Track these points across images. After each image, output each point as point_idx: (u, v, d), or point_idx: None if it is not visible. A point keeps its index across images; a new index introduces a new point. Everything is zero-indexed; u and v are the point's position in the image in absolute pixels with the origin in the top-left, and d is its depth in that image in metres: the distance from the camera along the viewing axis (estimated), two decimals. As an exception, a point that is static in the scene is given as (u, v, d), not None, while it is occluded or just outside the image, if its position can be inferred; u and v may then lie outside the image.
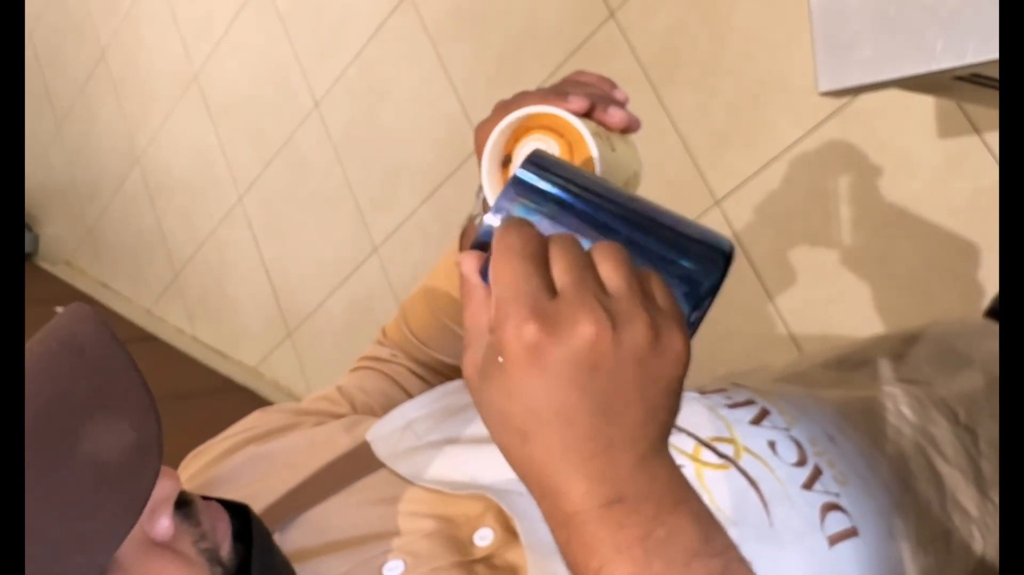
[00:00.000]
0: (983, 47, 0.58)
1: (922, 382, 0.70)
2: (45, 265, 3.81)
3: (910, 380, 0.70)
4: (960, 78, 0.67)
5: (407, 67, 2.26)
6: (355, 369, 0.79)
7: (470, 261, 0.42)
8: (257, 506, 0.52)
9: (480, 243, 0.43)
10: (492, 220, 0.42)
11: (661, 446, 0.39)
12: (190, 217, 3.05)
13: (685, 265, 0.41)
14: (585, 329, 0.37)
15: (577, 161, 0.52)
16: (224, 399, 2.62)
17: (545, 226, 0.42)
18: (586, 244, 0.41)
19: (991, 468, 0.65)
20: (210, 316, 3.04)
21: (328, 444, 0.63)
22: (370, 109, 2.38)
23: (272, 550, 0.50)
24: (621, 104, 0.57)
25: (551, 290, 0.38)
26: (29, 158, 3.80)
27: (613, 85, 0.58)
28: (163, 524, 0.44)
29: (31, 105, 3.75)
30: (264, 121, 2.71)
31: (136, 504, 0.40)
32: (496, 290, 0.39)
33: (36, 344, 0.44)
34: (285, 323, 2.72)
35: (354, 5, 2.39)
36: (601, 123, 0.55)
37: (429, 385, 0.76)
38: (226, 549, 0.47)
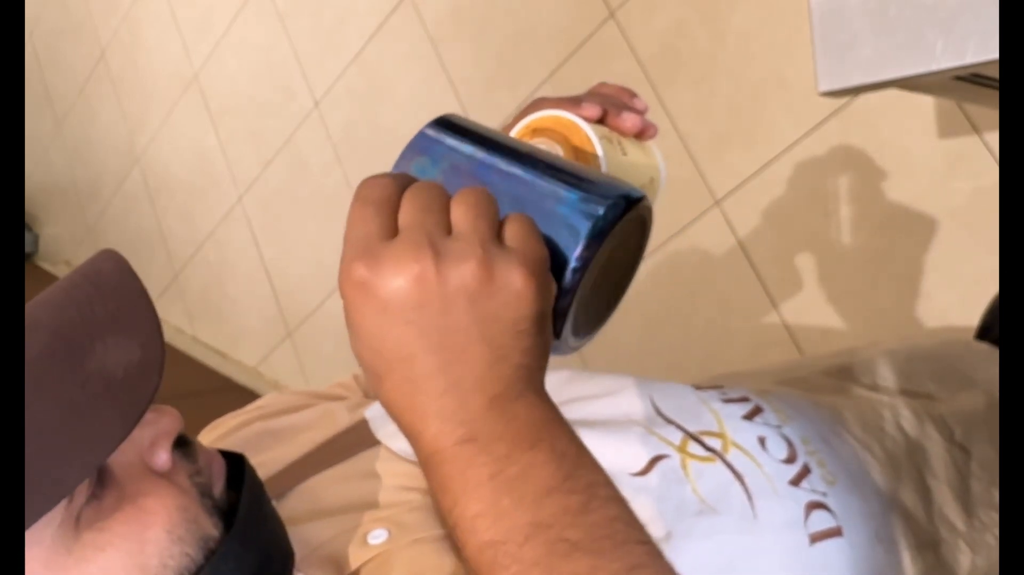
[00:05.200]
0: (983, 47, 0.58)
1: (923, 396, 0.71)
2: (45, 265, 3.81)
3: (912, 393, 0.71)
4: (960, 78, 0.67)
5: (407, 67, 2.26)
6: None
7: None
8: (260, 477, 0.54)
9: None
10: None
11: (524, 388, 0.39)
12: (190, 217, 3.05)
13: (574, 205, 0.41)
14: (407, 266, 0.37)
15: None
16: (224, 399, 2.61)
17: (441, 182, 0.42)
18: None
19: (980, 488, 0.66)
20: (210, 316, 3.04)
21: (330, 422, 0.65)
22: (370, 109, 2.38)
23: (262, 499, 0.52)
24: (639, 112, 0.57)
25: (390, 234, 0.39)
26: (29, 158, 3.80)
27: (633, 95, 0.59)
28: (162, 457, 0.47)
29: (31, 105, 3.75)
30: (264, 121, 2.70)
31: (133, 414, 0.43)
32: (344, 238, 0.40)
33: (64, 279, 0.49)
34: (285, 323, 2.72)
35: (354, 5, 2.39)
36: (614, 128, 0.56)
37: None
38: (219, 488, 0.49)
